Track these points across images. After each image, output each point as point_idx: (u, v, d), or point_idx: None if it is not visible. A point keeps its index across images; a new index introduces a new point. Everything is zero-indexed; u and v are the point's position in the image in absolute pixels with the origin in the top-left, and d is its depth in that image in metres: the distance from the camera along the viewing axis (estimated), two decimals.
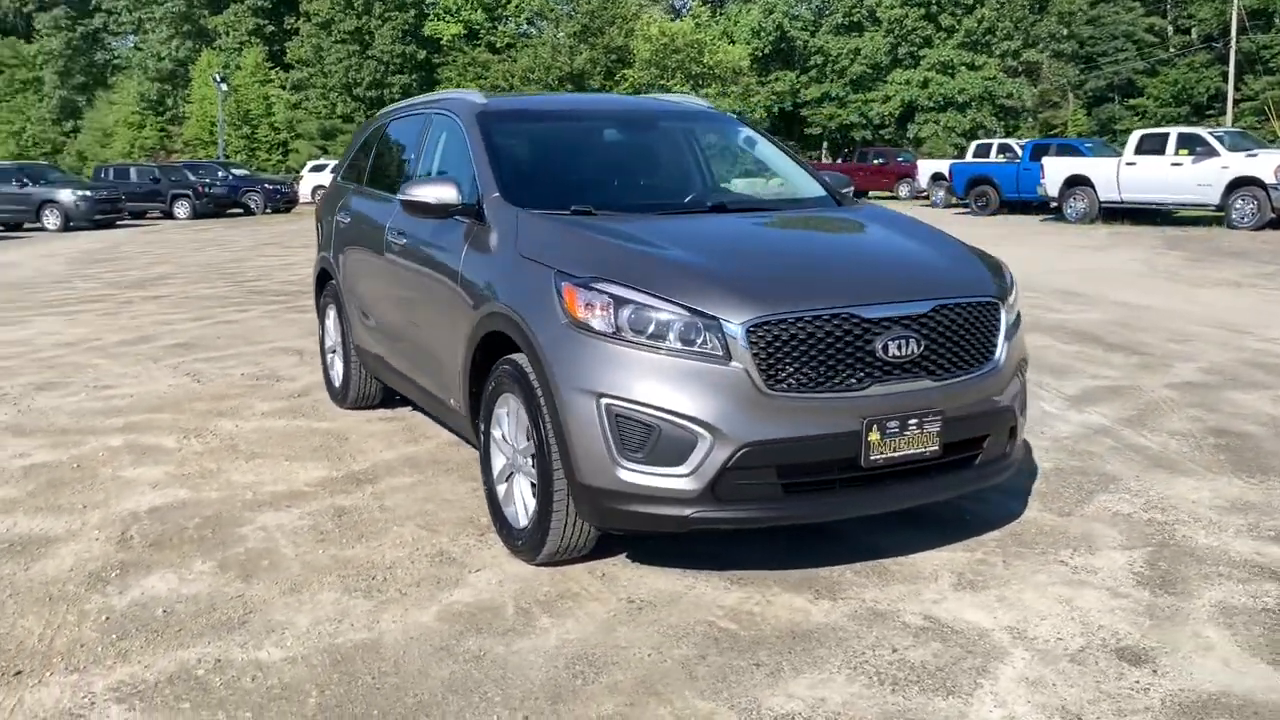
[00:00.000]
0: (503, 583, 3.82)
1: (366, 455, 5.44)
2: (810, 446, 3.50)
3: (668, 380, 3.45)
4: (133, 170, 32.97)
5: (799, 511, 3.61)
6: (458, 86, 48.42)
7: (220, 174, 33.70)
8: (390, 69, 50.89)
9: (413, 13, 51.15)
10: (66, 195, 26.66)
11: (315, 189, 37.10)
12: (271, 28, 54.77)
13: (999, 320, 3.91)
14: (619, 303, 3.53)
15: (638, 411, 3.46)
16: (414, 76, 50.94)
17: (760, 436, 3.43)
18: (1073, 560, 3.97)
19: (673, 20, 51.69)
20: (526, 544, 3.91)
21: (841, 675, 3.13)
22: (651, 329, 3.49)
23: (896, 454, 3.59)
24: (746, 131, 5.39)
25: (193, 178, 32.28)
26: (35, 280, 14.87)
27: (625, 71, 49.38)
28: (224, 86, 46.23)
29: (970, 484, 3.99)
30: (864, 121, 51.18)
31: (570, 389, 3.56)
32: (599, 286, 3.58)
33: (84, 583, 3.86)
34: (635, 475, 3.47)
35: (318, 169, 38.14)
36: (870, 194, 37.14)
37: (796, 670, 3.16)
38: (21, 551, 4.18)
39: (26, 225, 27.47)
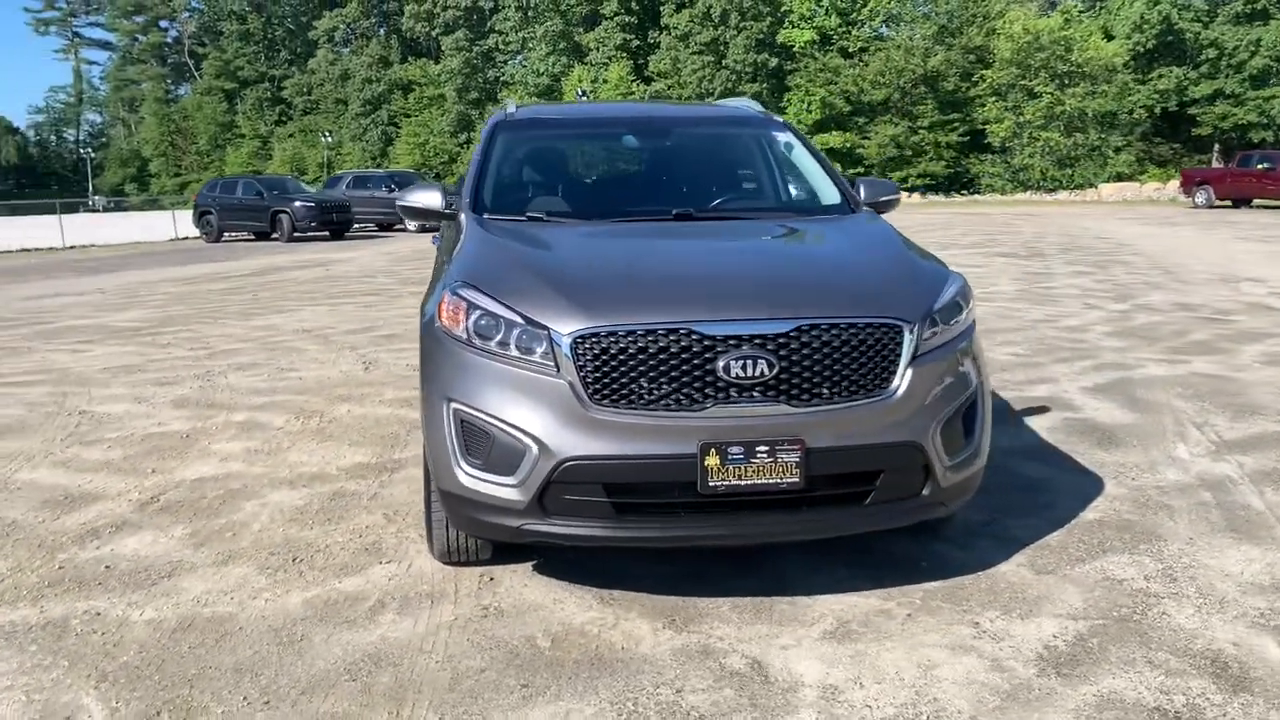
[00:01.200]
0: (395, 577, 3.92)
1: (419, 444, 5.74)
2: (638, 467, 3.31)
3: (505, 388, 3.41)
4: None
5: (635, 534, 3.41)
6: (806, 93, 48.55)
7: None
8: (742, 77, 51.94)
9: (768, 21, 51.83)
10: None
11: None
12: (637, 42, 57.78)
13: (899, 346, 3.46)
14: (470, 308, 3.53)
15: (478, 418, 3.44)
16: (765, 85, 51.63)
17: (582, 452, 3.30)
18: (990, 624, 3.44)
19: (1044, 16, 48.51)
20: (429, 541, 4.01)
21: (594, 709, 2.95)
22: (498, 336, 3.45)
23: (743, 482, 3.30)
24: (785, 137, 5.09)
25: None
26: (347, 274, 16.83)
27: (984, 72, 47.12)
28: (584, 99, 49.43)
29: (859, 525, 3.57)
30: (1265, 121, 45.32)
31: (431, 392, 3.62)
32: (461, 292, 3.59)
33: (81, 536, 4.43)
34: (475, 482, 3.45)
35: None
36: (1254, 202, 32.88)
37: (554, 698, 3.02)
38: (62, 503, 4.86)
39: (395, 226, 31.02)
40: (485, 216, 4.33)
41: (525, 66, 62.71)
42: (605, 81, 54.93)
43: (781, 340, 3.32)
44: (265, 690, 3.10)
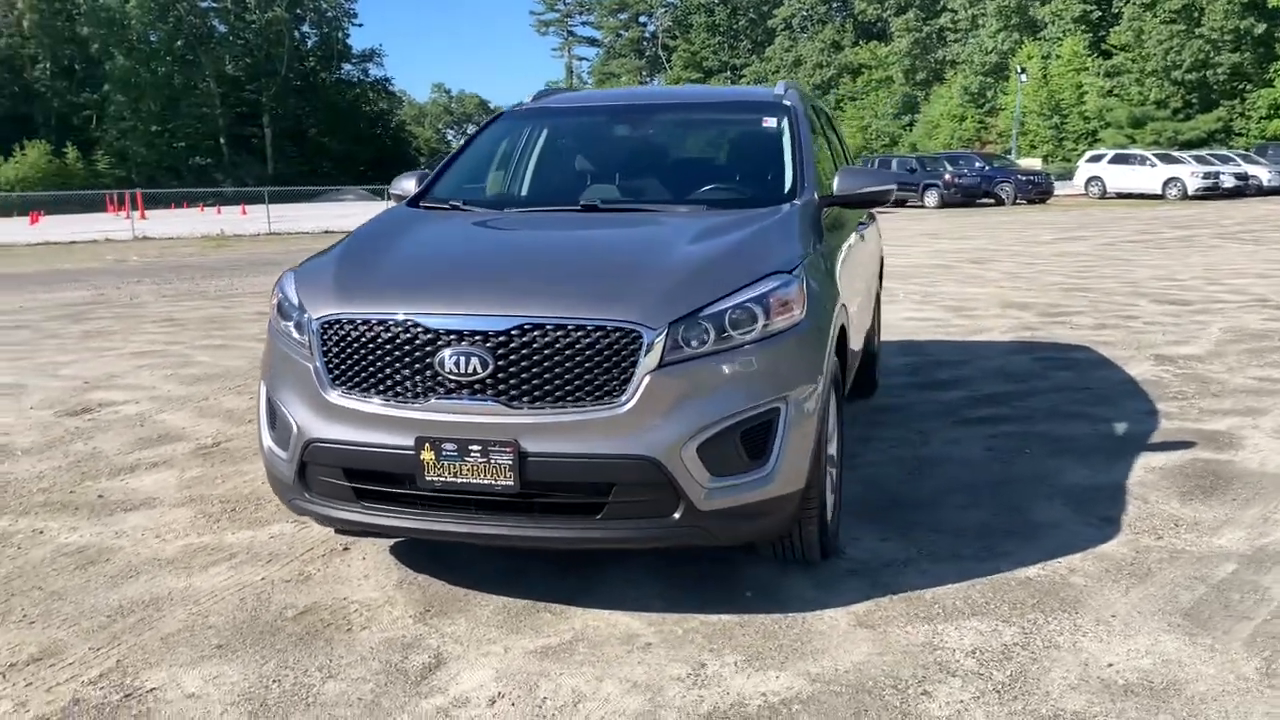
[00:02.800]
0: (278, 537, 4.25)
1: None
2: (367, 455, 3.36)
3: (282, 368, 3.60)
4: (894, 161, 35.32)
5: (375, 520, 3.45)
6: None
7: (978, 164, 34.25)
8: (1220, 47, 45.80)
9: None
10: None
11: (1089, 180, 35.63)
12: (1098, 13, 52.99)
13: (634, 352, 3.17)
14: (279, 291, 3.76)
15: (269, 396, 3.68)
16: (1246, 55, 45.12)
17: (321, 435, 3.42)
18: (714, 670, 3.08)
19: None
20: None
21: (248, 679, 3.08)
22: (290, 319, 3.63)
23: (457, 480, 3.24)
24: (774, 123, 4.67)
25: (949, 169, 33.41)
26: None
27: None
28: (1024, 79, 46.31)
29: (591, 539, 3.31)
30: None
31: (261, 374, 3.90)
32: (283, 278, 3.83)
33: (112, 459, 5.27)
34: (271, 457, 3.69)
35: (1095, 159, 36.45)
36: None
37: (227, 661, 3.19)
38: (154, 439, 5.78)
39: None
40: (420, 205, 4.51)
41: (974, 44, 60.02)
42: (1057, 58, 51.06)
43: (501, 338, 3.20)
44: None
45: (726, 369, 3.26)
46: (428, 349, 3.26)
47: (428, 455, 3.25)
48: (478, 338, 3.22)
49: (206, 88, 73.29)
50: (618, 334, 3.18)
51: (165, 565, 3.97)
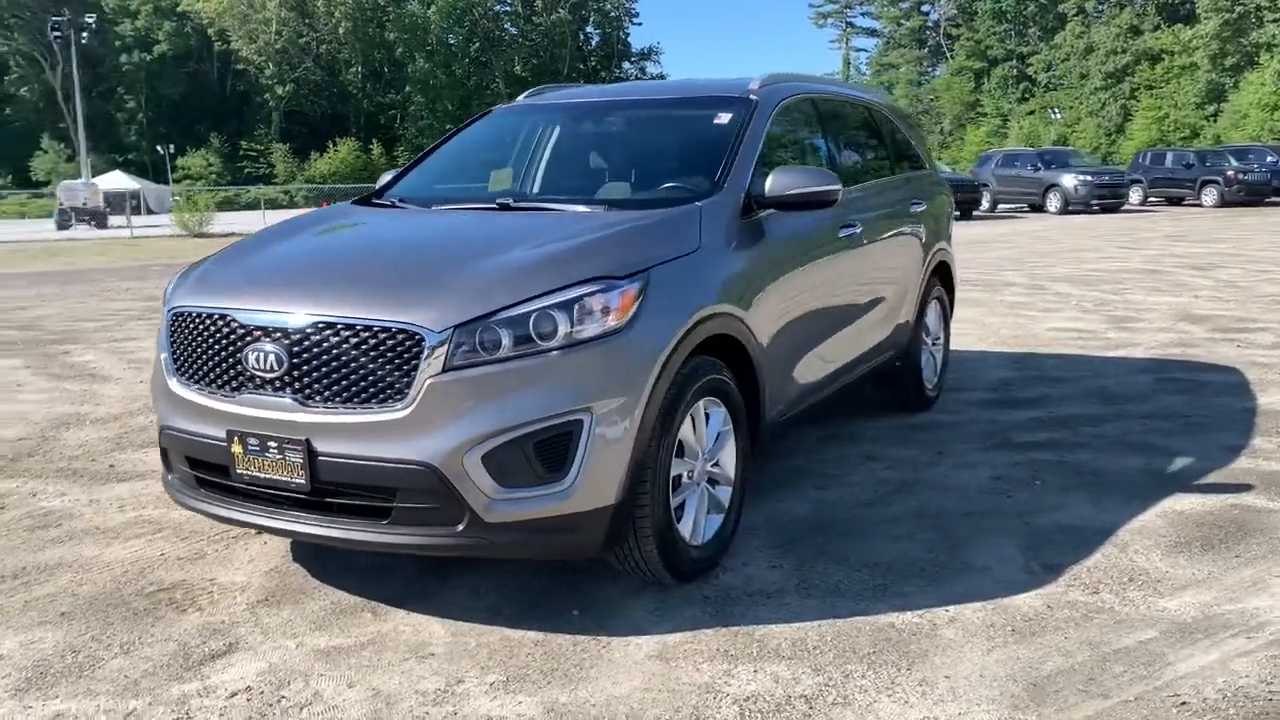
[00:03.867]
0: None
1: None
2: (196, 444, 3.47)
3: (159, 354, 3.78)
4: (1169, 155, 32.14)
5: (209, 508, 3.52)
6: None
7: (1270, 159, 30.50)
8: None
9: None
10: (1068, 180, 27.75)
11: None
12: None
13: (416, 357, 3.08)
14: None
15: None
16: None
17: (167, 422, 3.59)
18: (434, 686, 2.97)
19: None
20: None
21: (57, 645, 3.29)
22: (162, 310, 3.80)
23: (261, 475, 3.30)
24: (727, 119, 4.34)
25: (1234, 163, 30.01)
26: None
27: None
28: None
29: (380, 543, 3.24)
30: None
31: None
32: (188, 265, 4.02)
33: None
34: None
35: None
36: None
37: (53, 629, 3.42)
38: None
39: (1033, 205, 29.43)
40: (373, 200, 4.61)
41: None
42: None
43: (296, 335, 3.22)
44: None
45: (521, 376, 3.11)
46: (238, 344, 3.34)
47: (237, 448, 3.33)
48: (278, 334, 3.26)
49: (496, 88, 77.67)
50: (402, 335, 3.12)
51: (97, 534, 4.29)
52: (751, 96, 4.49)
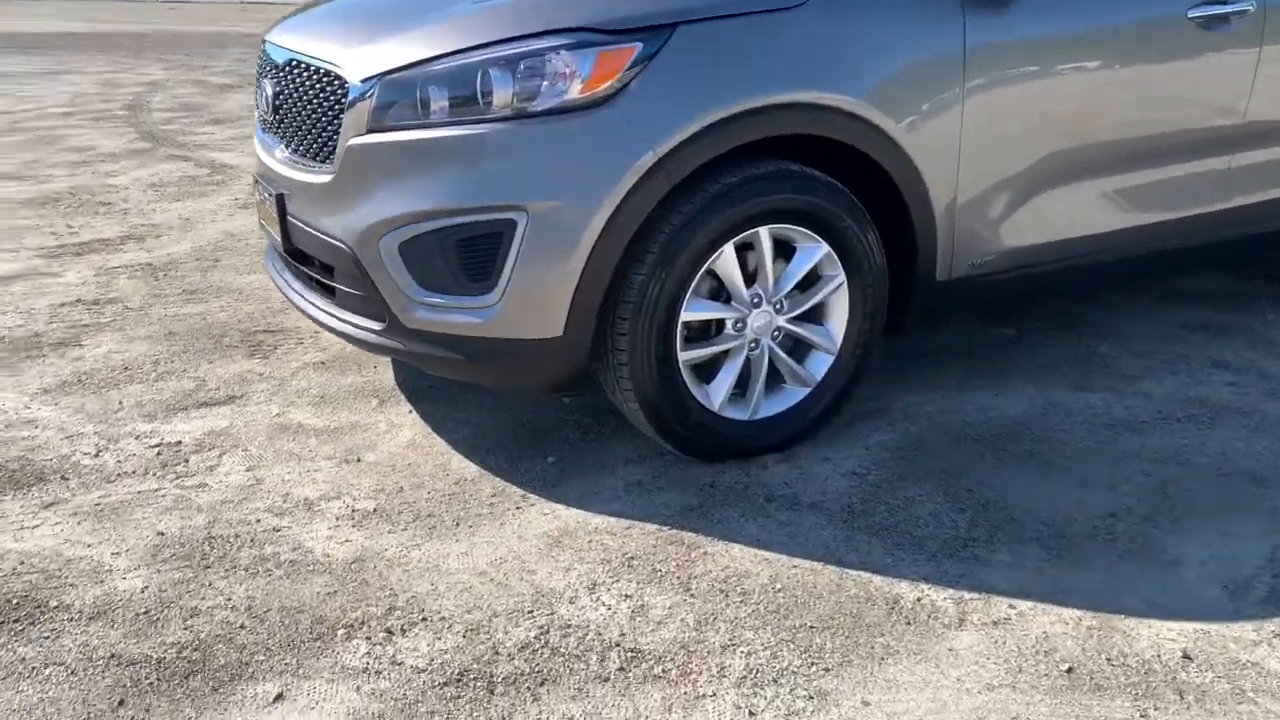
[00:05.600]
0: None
1: None
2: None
3: None
4: None
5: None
6: None
7: None
8: None
9: None
10: None
11: None
12: None
13: (340, 111, 2.62)
14: None
15: None
16: None
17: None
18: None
19: None
20: None
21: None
22: None
23: (267, 226, 3.10)
24: None
25: None
26: None
27: None
28: None
29: (330, 327, 2.81)
30: None
31: None
32: None
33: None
34: None
35: None
36: None
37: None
38: None
39: None
40: None
41: None
42: None
43: (275, 73, 3.00)
44: None
45: (449, 151, 2.42)
46: (260, 81, 3.09)
47: (255, 195, 3.09)
48: (271, 69, 2.98)
49: None
50: (332, 79, 2.65)
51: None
52: None
